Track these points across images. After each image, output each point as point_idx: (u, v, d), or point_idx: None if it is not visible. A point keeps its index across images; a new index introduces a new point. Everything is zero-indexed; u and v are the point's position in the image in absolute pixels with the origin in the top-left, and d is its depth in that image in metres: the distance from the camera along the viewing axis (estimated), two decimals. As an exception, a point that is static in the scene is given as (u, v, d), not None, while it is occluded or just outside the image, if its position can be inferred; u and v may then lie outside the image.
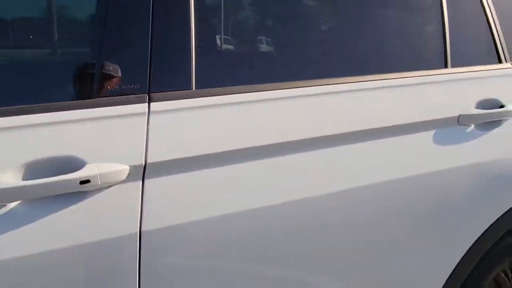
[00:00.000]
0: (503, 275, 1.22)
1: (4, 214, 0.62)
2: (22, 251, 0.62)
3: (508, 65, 1.15)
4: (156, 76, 0.74)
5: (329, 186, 0.84)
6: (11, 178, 0.62)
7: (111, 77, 0.71)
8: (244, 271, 0.80)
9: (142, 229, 0.69)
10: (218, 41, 0.89)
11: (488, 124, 1.05)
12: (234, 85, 0.81)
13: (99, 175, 0.65)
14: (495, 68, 1.13)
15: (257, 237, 0.78)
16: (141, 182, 0.70)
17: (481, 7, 1.14)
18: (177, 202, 0.72)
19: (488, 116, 1.04)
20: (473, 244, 1.06)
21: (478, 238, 1.06)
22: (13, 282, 0.63)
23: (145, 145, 0.70)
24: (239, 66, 0.89)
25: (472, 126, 1.03)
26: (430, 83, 1.02)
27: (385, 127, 0.92)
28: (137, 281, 0.70)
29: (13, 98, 0.67)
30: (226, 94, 0.79)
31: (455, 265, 1.06)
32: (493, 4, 1.15)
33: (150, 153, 0.70)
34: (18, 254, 0.62)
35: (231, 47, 0.94)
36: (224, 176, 0.75)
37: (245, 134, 0.77)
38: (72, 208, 0.65)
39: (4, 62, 0.80)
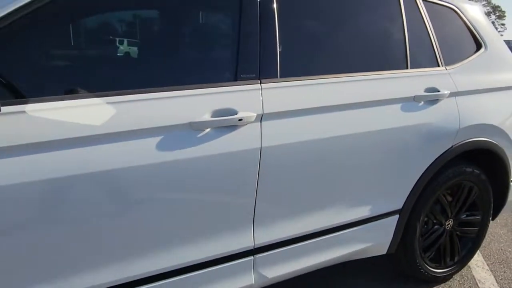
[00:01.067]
0: (442, 196, 2.01)
1: (203, 135, 1.31)
2: (211, 151, 1.31)
3: (442, 68, 1.93)
4: (262, 70, 1.45)
5: (343, 130, 1.58)
6: (206, 118, 1.31)
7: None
8: (324, 174, 1.55)
9: (262, 145, 1.40)
10: (289, 49, 1.60)
11: (430, 102, 1.83)
12: (297, 75, 1.53)
13: (244, 117, 1.35)
14: (435, 69, 1.92)
15: (326, 152, 1.54)
16: (259, 122, 1.40)
17: (426, 31, 1.92)
18: (277, 133, 1.43)
19: (429, 97, 1.82)
20: (423, 173, 1.83)
21: (426, 169, 1.84)
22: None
23: (261, 105, 1.41)
24: (299, 64, 1.61)
25: (422, 102, 1.80)
26: (397, 77, 1.79)
27: (370, 101, 1.66)
28: (257, 176, 1.41)
29: (205, 77, 1.38)
30: (296, 80, 1.51)
31: (410, 189, 1.83)
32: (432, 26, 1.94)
33: (264, 108, 1.41)
34: (210, 153, 1.31)
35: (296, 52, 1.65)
36: (298, 122, 1.47)
37: (312, 99, 1.51)
38: (233, 132, 1.35)
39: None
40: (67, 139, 1.12)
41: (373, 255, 1.91)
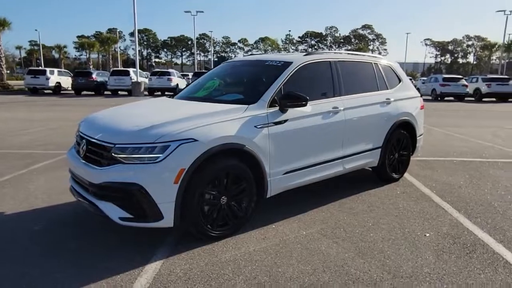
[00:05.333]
0: (394, 141, 4.90)
1: (334, 113, 3.94)
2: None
3: (390, 90, 4.84)
4: (341, 93, 4.15)
5: (362, 114, 4.33)
6: (334, 108, 3.94)
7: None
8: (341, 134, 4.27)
9: (345, 118, 4.10)
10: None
11: (388, 103, 4.69)
12: (349, 94, 4.25)
13: (340, 109, 4.02)
14: (387, 91, 4.81)
15: (341, 119, 4.25)
16: (344, 111, 4.10)
17: (382, 75, 4.82)
18: (347, 115, 4.12)
19: (387, 101, 4.69)
20: (387, 131, 4.68)
21: (388, 130, 4.69)
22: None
23: (343, 104, 4.10)
24: (348, 89, 4.32)
25: (385, 104, 4.66)
26: (375, 95, 4.62)
27: (368, 103, 4.44)
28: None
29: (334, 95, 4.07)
30: (349, 94, 4.23)
31: (383, 140, 4.65)
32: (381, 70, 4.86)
33: (344, 105, 4.10)
34: (337, 119, 3.95)
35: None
36: (352, 111, 4.18)
37: (354, 102, 4.24)
38: (339, 114, 4.02)
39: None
40: (313, 113, 3.72)
41: (370, 167, 4.67)
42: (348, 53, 4.70)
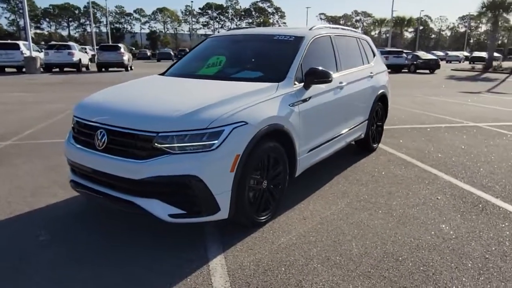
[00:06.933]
0: (375, 111, 5.18)
1: (340, 88, 3.98)
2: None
3: (370, 63, 5.06)
4: (339, 69, 4.21)
5: (354, 90, 4.47)
6: (339, 83, 3.98)
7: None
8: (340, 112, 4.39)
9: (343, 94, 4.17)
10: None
11: (372, 77, 4.91)
12: (342, 70, 4.33)
13: (344, 84, 4.08)
14: (369, 65, 5.02)
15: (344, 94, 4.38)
16: (346, 85, 4.16)
17: (365, 50, 5.00)
18: (344, 89, 4.20)
19: (371, 75, 4.90)
20: (372, 104, 4.93)
21: (373, 102, 4.94)
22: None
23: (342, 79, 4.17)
24: (341, 66, 4.39)
25: (370, 78, 4.86)
26: (363, 69, 4.79)
27: (360, 78, 4.60)
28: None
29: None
30: (343, 71, 4.32)
31: (369, 113, 4.89)
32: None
33: (343, 80, 4.17)
34: (341, 95, 4.00)
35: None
36: (348, 86, 4.28)
37: (349, 77, 4.33)
38: (344, 88, 4.07)
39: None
40: (327, 90, 3.72)
41: (359, 139, 4.90)
42: (338, 28, 4.75)
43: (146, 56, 52.20)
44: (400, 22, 39.77)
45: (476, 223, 3.20)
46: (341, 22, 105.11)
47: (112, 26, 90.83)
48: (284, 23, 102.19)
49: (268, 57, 3.83)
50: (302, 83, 3.43)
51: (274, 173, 3.13)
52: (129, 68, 25.02)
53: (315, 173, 4.29)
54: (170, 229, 2.95)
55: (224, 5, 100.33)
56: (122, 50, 23.95)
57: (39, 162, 4.74)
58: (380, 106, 5.26)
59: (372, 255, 2.67)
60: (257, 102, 2.94)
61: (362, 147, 5.24)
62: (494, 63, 29.83)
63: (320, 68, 3.44)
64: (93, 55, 31.12)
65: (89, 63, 26.51)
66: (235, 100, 2.86)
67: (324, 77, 3.42)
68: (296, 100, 3.29)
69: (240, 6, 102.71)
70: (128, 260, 2.58)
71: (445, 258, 2.64)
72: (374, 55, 5.35)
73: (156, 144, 2.55)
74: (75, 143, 2.99)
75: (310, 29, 4.02)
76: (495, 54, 33.88)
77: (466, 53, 56.65)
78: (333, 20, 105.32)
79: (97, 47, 28.41)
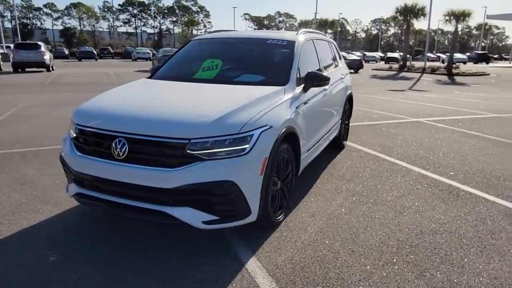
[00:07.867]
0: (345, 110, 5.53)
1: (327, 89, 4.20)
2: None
3: (340, 65, 5.39)
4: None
5: (334, 91, 4.76)
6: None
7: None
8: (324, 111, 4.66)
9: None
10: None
11: (342, 79, 5.24)
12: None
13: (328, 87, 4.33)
14: (339, 67, 5.34)
15: (328, 96, 4.64)
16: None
17: (338, 54, 5.32)
18: (330, 90, 4.45)
19: (341, 77, 5.23)
20: (344, 106, 5.26)
21: (344, 103, 5.28)
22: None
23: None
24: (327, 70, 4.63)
25: (343, 76, 5.19)
26: (337, 71, 5.09)
27: (336, 80, 4.89)
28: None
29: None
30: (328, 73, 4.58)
31: (341, 113, 5.22)
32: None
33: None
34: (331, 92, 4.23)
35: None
36: (333, 86, 4.53)
37: (334, 76, 4.60)
38: (327, 91, 4.30)
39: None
40: (318, 92, 3.90)
41: (335, 137, 5.20)
42: (314, 32, 4.98)
43: (64, 54, 48.20)
44: (323, 24, 41.96)
45: (458, 208, 3.64)
46: (265, 22, 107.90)
47: (19, 21, 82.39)
48: (209, 22, 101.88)
49: (266, 61, 3.91)
50: (301, 86, 3.57)
51: (286, 173, 3.23)
52: (50, 68, 23.01)
53: (302, 172, 4.47)
54: (187, 238, 2.91)
55: (146, 2, 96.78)
56: (42, 48, 21.95)
57: (2, 176, 4.26)
58: (347, 106, 5.63)
59: (388, 244, 2.92)
60: (273, 105, 3.02)
61: (334, 145, 5.55)
62: (408, 63, 33.06)
63: (319, 72, 3.63)
64: (1, 53, 27.96)
65: (1, 62, 23.82)
66: (255, 105, 2.90)
67: (323, 80, 3.61)
68: (300, 102, 3.42)
69: (163, 4, 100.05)
70: (173, 272, 2.50)
71: (448, 241, 2.98)
72: (340, 58, 5.70)
73: (188, 151, 2.50)
74: (83, 154, 2.79)
75: (297, 33, 4.18)
76: (404, 55, 37.45)
77: (381, 54, 61.78)
78: (257, 20, 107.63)
79: (13, 45, 25.67)
